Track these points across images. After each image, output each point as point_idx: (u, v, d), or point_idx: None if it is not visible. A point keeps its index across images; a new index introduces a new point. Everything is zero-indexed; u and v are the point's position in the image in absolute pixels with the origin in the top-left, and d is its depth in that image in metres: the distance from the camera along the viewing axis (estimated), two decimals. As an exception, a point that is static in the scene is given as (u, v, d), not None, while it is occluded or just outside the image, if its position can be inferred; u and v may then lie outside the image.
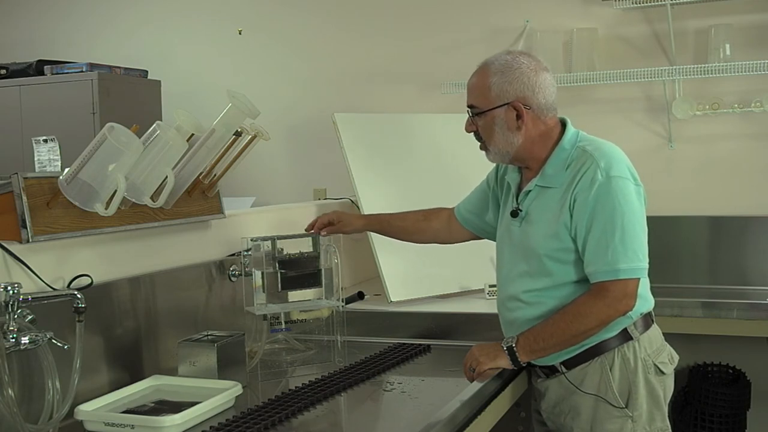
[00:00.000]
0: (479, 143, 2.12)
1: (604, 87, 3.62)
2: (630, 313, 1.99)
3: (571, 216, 1.97)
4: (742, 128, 3.51)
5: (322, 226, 2.33)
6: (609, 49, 3.64)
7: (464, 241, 2.43)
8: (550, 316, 2.00)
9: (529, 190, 2.07)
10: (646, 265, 1.98)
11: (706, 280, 3.48)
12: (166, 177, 1.95)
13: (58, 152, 4.02)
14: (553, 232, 2.00)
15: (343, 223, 2.36)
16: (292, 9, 4.24)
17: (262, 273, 2.21)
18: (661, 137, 3.61)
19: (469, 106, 2.09)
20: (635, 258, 1.94)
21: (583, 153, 2.01)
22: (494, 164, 2.28)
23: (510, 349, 1.99)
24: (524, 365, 2.03)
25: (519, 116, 2.02)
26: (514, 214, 2.10)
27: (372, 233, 2.88)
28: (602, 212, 1.94)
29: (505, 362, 2.00)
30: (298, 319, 2.26)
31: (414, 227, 2.42)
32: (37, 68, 4.18)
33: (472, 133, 2.12)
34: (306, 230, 2.34)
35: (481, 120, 2.06)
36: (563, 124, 2.09)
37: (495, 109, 2.03)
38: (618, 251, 1.92)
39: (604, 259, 1.93)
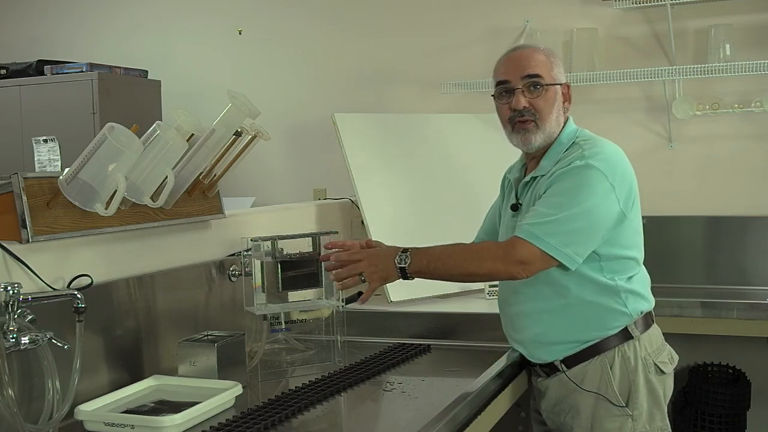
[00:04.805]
0: (525, 122, 2.03)
1: (604, 87, 3.61)
2: (630, 311, 2.01)
3: None
4: (742, 128, 3.50)
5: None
6: (609, 49, 3.64)
7: None
8: (452, 245, 2.00)
9: (527, 182, 2.09)
10: (569, 252, 1.90)
11: (706, 280, 3.47)
12: (166, 177, 1.95)
13: (58, 152, 4.02)
14: None
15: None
16: (292, 9, 4.24)
17: (262, 273, 2.21)
18: (661, 137, 3.61)
19: (530, 76, 2.02)
20: (561, 242, 1.90)
21: (575, 146, 2.03)
22: (502, 178, 2.29)
23: (402, 270, 1.96)
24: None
25: (565, 100, 2.07)
26: (515, 207, 2.11)
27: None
28: (562, 186, 1.94)
29: (394, 279, 1.99)
30: (298, 319, 2.26)
31: None
32: (37, 68, 4.18)
33: (515, 112, 2.03)
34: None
35: (545, 92, 2.03)
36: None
37: (557, 85, 2.05)
38: (550, 224, 1.90)
39: (532, 220, 1.92)
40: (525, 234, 1.91)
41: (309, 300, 2.29)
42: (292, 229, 2.35)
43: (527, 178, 2.09)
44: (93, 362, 1.89)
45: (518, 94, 2.03)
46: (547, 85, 2.03)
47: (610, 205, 1.95)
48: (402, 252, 1.98)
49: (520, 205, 2.10)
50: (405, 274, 1.97)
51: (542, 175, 2.04)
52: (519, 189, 2.13)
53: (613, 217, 1.96)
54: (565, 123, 2.10)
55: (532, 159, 2.13)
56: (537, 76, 2.03)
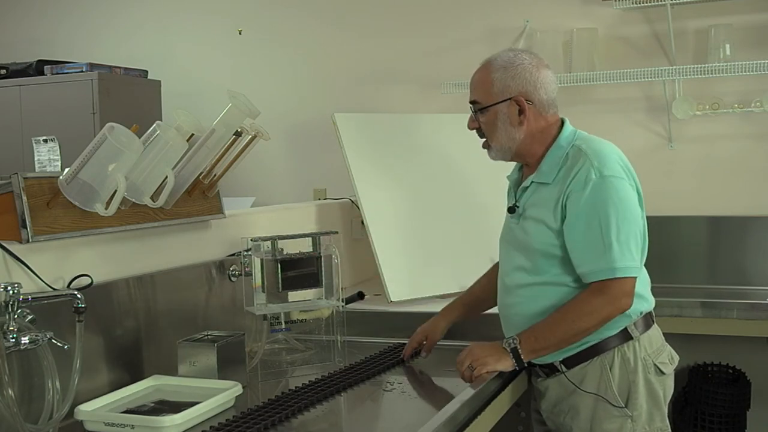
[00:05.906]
0: (482, 141, 2.13)
1: (604, 87, 3.61)
2: (629, 312, 2.00)
3: (565, 214, 1.98)
4: (742, 128, 3.50)
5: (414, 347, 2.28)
6: (609, 49, 3.64)
7: None
8: (550, 315, 2.00)
9: (526, 187, 2.09)
10: (639, 264, 2.00)
11: (706, 280, 3.47)
12: (166, 177, 1.95)
13: (58, 152, 4.02)
14: (546, 228, 2.01)
15: (433, 333, 2.29)
16: (292, 9, 4.24)
17: (262, 273, 2.21)
18: (661, 137, 3.61)
19: (471, 102, 2.11)
20: (630, 257, 1.95)
21: (578, 151, 2.02)
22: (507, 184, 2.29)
23: (514, 351, 1.99)
24: (526, 365, 2.04)
25: (521, 111, 2.04)
26: (511, 210, 2.12)
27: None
28: (598, 212, 1.94)
29: (509, 364, 1.99)
30: (298, 319, 2.26)
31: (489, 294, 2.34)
32: (37, 68, 4.18)
33: (475, 131, 2.13)
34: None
35: (483, 116, 2.08)
36: (562, 123, 2.11)
37: (498, 104, 2.05)
38: (615, 250, 1.93)
39: (602, 258, 1.94)
40: (608, 273, 1.93)
41: (309, 300, 2.29)
42: (292, 229, 2.35)
43: (527, 182, 2.09)
44: (93, 362, 1.89)
45: (470, 117, 2.12)
46: (484, 108, 2.07)
47: (637, 198, 2.02)
48: (507, 339, 2.02)
49: (517, 207, 2.10)
50: (518, 355, 1.98)
51: (545, 183, 2.04)
52: (518, 192, 2.13)
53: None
54: (561, 126, 2.09)
55: (526, 163, 2.14)
56: (474, 102, 2.10)
